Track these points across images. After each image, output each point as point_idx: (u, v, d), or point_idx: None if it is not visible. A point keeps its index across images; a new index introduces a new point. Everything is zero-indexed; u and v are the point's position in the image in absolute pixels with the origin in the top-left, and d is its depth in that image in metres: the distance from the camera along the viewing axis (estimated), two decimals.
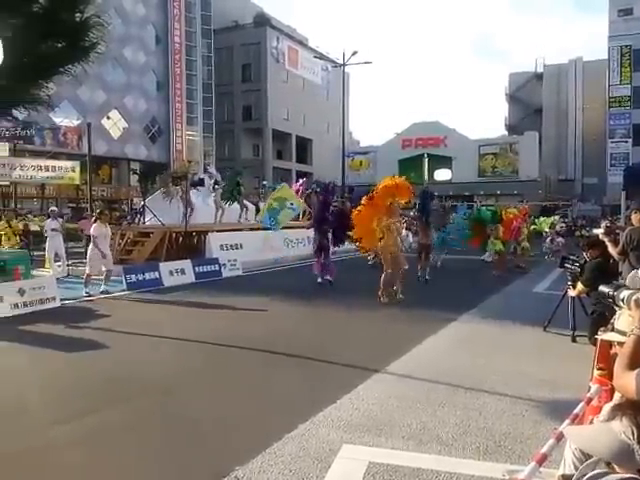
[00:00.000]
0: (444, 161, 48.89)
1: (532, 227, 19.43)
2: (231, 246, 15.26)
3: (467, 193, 46.86)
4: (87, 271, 10.49)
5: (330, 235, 12.13)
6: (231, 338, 6.76)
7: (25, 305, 8.62)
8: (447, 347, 6.55)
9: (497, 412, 4.32)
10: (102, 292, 10.38)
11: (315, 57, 51.36)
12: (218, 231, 16.02)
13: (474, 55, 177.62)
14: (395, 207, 9.84)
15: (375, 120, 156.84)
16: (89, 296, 10.13)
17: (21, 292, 8.67)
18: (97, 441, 3.83)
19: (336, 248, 12.97)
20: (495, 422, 4.11)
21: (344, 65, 34.26)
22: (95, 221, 10.80)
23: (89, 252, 10.63)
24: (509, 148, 49.71)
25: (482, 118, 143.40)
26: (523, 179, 47.13)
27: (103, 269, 10.59)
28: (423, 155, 45.78)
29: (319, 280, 11.77)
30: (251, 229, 17.08)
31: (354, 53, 33.39)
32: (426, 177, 43.44)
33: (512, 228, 14.97)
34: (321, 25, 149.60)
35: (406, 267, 9.92)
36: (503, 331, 7.38)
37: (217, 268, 13.14)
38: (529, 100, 57.23)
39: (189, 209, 16.07)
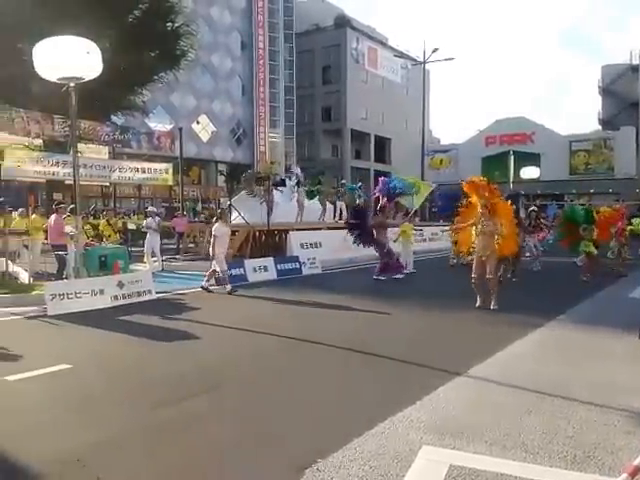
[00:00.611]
0: (531, 158, 46.63)
1: (629, 228, 18.07)
2: (311, 244, 15.60)
3: (557, 192, 44.45)
4: (213, 268, 10.70)
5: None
6: (314, 335, 6.93)
7: (124, 297, 9.33)
8: (533, 353, 6.31)
9: (586, 421, 4.13)
10: (203, 288, 10.69)
11: (395, 56, 50.91)
12: (298, 230, 16.41)
13: (560, 47, 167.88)
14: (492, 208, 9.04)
15: (456, 117, 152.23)
16: (208, 291, 10.57)
17: (120, 285, 9.39)
18: (187, 427, 4.08)
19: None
20: (584, 431, 3.94)
21: (424, 63, 33.69)
22: (216, 221, 11.11)
23: (211, 250, 10.71)
24: (603, 144, 46.55)
25: (571, 113, 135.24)
26: (619, 177, 43.98)
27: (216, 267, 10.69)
28: (508, 152, 43.90)
29: (398, 276, 12.22)
30: (329, 228, 17.32)
31: (435, 50, 32.75)
32: (511, 175, 41.65)
33: (618, 228, 13.96)
34: (402, 23, 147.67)
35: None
36: (594, 338, 6.98)
37: (297, 266, 13.48)
38: (624, 93, 53.06)
39: (271, 208, 16.61)
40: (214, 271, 10.77)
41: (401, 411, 4.30)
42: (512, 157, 42.87)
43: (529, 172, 46.79)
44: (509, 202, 9.72)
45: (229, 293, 10.44)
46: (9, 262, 10.48)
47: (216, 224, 10.83)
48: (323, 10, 54.86)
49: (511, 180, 40.28)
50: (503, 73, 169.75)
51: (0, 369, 5.40)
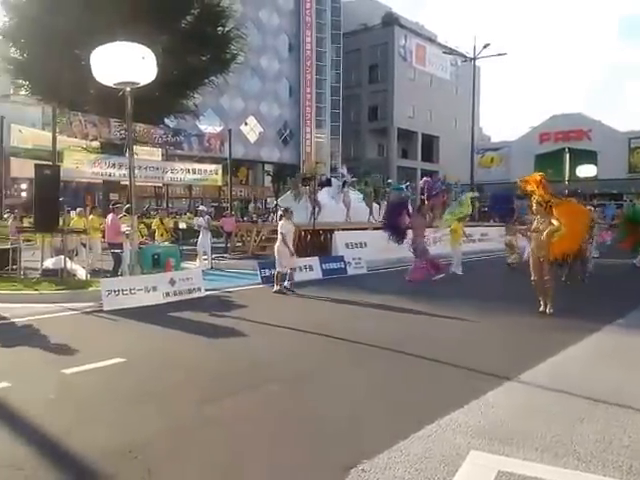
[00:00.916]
0: (588, 156, 44.69)
1: None
2: (356, 244, 15.57)
3: (615, 191, 42.49)
4: (277, 269, 10.55)
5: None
6: (359, 334, 6.91)
7: (175, 294, 9.60)
8: (588, 359, 6.06)
9: None
10: (286, 288, 10.48)
11: (444, 52, 50.08)
12: (343, 230, 16.40)
13: (619, 39, 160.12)
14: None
15: (508, 114, 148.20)
16: (282, 292, 10.33)
17: (172, 282, 9.68)
18: (234, 424, 4.16)
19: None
20: None
21: (475, 59, 32.98)
22: (280, 218, 11.07)
23: (276, 249, 10.56)
24: None
25: (630, 109, 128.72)
26: None
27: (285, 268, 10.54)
28: (564, 150, 42.30)
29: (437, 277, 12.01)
30: (375, 228, 17.22)
31: (485, 46, 31.98)
32: (567, 174, 40.12)
33: None
34: (451, 19, 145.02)
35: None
36: None
37: (342, 266, 13.48)
38: None
39: (317, 208, 16.69)
40: (292, 270, 10.69)
41: (448, 414, 4.23)
42: (568, 155, 41.28)
43: (585, 170, 44.80)
44: (575, 200, 9.16)
45: (287, 289, 10.37)
46: (68, 260, 10.97)
47: (281, 222, 10.77)
48: (371, 9, 54.67)
49: (566, 179, 38.81)
50: (557, 68, 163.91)
51: (58, 362, 5.67)
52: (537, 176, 8.96)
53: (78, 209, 14.41)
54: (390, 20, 54.29)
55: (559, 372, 5.46)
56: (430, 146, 58.26)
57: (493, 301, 9.63)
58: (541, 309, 8.46)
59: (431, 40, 58.33)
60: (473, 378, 5.27)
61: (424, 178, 14.11)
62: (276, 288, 10.49)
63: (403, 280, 12.01)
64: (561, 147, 43.96)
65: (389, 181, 27.17)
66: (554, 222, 8.28)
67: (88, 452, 3.58)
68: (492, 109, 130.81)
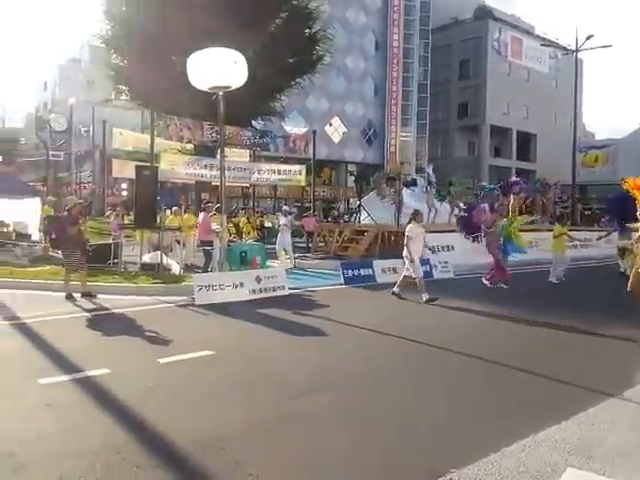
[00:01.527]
0: None
1: None
2: (442, 247, 15.09)
3: None
4: (419, 275, 9.81)
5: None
6: (447, 340, 6.70)
7: (260, 291, 9.87)
8: None
9: None
10: (395, 294, 9.96)
11: (542, 45, 47.41)
12: (429, 232, 16.00)
13: None
14: None
15: (614, 110, 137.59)
16: (431, 300, 9.46)
17: (258, 279, 9.95)
18: (317, 421, 4.17)
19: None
20: None
21: (577, 51, 30.83)
22: (410, 222, 10.30)
23: (406, 253, 9.89)
24: None
25: None
26: None
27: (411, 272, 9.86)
28: None
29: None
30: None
31: (589, 37, 29.74)
32: None
33: None
34: (550, 10, 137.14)
35: None
36: None
37: (428, 269, 13.09)
38: None
39: (401, 209, 16.43)
40: (406, 277, 10.00)
41: (544, 430, 3.97)
42: None
43: None
44: None
45: (427, 302, 9.42)
46: (164, 255, 11.62)
47: (410, 225, 10.14)
48: (462, 2, 52.99)
49: None
50: None
51: (153, 351, 6.01)
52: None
53: (174, 208, 15.23)
54: (483, 13, 52.39)
55: None
56: (526, 144, 55.49)
57: (595, 311, 8.92)
58: None
59: (528, 32, 55.53)
60: (572, 393, 4.93)
61: (514, 177, 13.47)
62: (425, 297, 9.57)
63: (493, 286, 11.51)
64: None
65: (482, 184, 26.04)
66: None
67: (179, 439, 3.74)
68: (596, 104, 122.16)
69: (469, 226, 12.76)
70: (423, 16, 49.67)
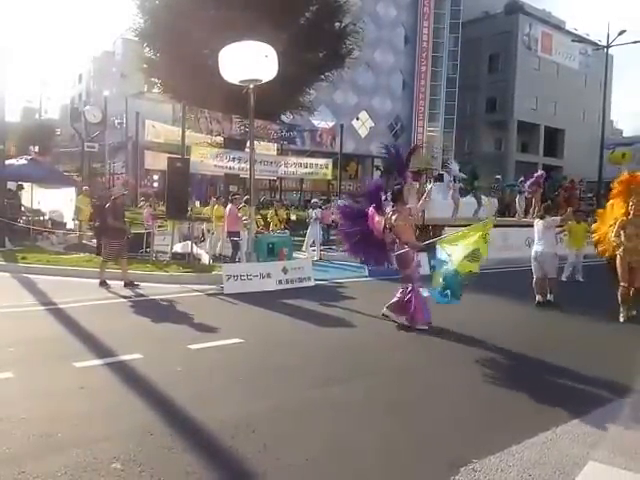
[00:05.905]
0: None
1: None
2: None
3: None
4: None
5: None
6: (473, 332, 6.76)
7: (287, 282, 10.03)
8: None
9: None
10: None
11: (573, 40, 46.38)
12: (452, 226, 15.92)
13: None
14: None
15: None
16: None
17: (284, 270, 10.12)
18: (343, 409, 4.29)
19: None
20: None
21: (607, 47, 30.12)
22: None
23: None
24: None
25: None
26: None
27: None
28: None
29: None
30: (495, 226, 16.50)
31: (621, 32, 29.03)
32: None
33: None
34: (582, 5, 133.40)
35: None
36: None
37: None
38: None
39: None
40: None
41: (565, 423, 4.03)
42: None
43: None
44: None
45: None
46: (194, 245, 11.88)
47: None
48: None
49: None
50: None
51: (184, 338, 6.21)
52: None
53: (212, 199, 15.57)
54: (514, 7, 51.45)
55: None
56: (554, 140, 54.45)
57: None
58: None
59: (558, 28, 54.39)
60: (596, 386, 4.95)
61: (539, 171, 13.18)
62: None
63: (519, 281, 11.40)
64: None
65: (498, 177, 25.81)
66: None
67: (209, 423, 3.89)
68: (626, 101, 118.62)
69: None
70: (454, 10, 48.98)
